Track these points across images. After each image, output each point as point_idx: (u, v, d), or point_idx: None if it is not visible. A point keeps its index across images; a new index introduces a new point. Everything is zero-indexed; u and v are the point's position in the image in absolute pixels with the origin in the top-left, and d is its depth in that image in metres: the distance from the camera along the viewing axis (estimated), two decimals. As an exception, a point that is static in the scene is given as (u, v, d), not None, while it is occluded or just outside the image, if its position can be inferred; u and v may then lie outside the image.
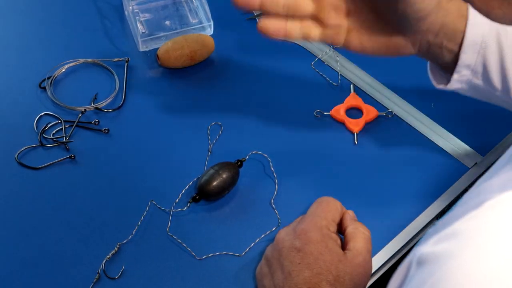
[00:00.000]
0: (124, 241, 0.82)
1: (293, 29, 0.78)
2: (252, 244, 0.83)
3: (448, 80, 0.80)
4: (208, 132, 0.93)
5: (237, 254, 0.82)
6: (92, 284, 0.79)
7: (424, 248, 0.53)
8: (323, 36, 0.79)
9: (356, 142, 0.93)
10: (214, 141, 0.92)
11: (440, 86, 0.81)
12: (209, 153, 0.91)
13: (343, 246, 0.77)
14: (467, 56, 0.77)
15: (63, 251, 0.81)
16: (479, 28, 0.76)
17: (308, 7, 0.77)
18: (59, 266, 0.80)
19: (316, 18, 0.78)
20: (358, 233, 0.77)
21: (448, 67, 0.79)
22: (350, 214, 0.80)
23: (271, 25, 0.77)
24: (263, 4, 0.77)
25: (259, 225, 0.85)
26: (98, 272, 0.79)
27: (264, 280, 0.76)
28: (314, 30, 0.78)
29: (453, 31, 0.76)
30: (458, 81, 0.79)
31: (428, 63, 0.83)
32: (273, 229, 0.84)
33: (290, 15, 0.77)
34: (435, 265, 0.51)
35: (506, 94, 0.79)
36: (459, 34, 0.76)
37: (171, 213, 0.84)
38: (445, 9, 0.75)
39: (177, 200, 0.85)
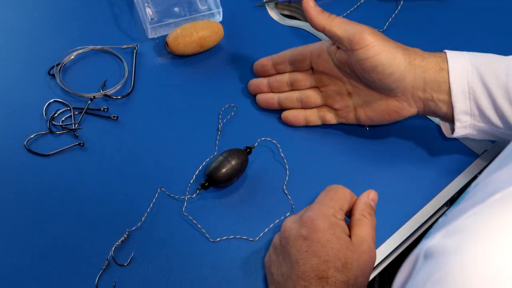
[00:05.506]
0: (133, 228, 0.82)
1: (311, 116, 0.91)
2: (266, 230, 0.83)
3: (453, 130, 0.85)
4: (219, 118, 0.92)
5: (251, 239, 0.82)
6: (101, 271, 0.79)
7: (432, 241, 0.53)
8: (337, 117, 0.91)
9: (367, 129, 0.92)
10: (223, 128, 0.92)
11: (451, 136, 0.86)
12: (217, 140, 0.90)
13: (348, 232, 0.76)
14: (461, 104, 0.81)
15: (72, 238, 0.82)
16: (462, 76, 0.81)
17: (317, 100, 0.91)
18: (68, 253, 0.81)
19: (327, 105, 0.91)
20: (363, 220, 0.76)
21: (451, 118, 0.83)
22: (361, 201, 0.79)
23: (290, 116, 0.92)
24: (281, 103, 0.92)
25: (272, 211, 0.85)
26: (107, 259, 0.80)
27: (272, 268, 0.76)
28: (329, 114, 0.91)
29: (437, 83, 0.81)
30: (462, 128, 0.84)
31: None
32: (287, 214, 0.84)
33: (305, 107, 0.92)
34: (442, 259, 0.51)
35: (510, 130, 0.82)
36: (444, 85, 0.81)
37: (186, 197, 0.84)
38: (420, 66, 0.82)
39: (187, 187, 0.85)
